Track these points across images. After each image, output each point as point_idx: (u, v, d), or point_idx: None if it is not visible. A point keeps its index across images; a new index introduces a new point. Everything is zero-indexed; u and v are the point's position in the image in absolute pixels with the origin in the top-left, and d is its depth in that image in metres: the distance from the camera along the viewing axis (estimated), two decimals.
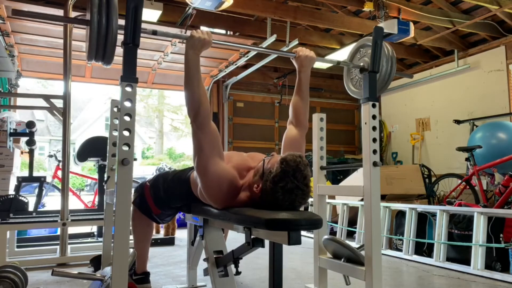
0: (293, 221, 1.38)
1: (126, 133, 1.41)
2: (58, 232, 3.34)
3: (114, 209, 1.44)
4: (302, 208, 1.63)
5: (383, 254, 3.19)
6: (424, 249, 3.28)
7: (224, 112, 6.73)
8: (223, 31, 5.47)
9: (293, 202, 1.51)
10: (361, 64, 1.89)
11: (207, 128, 1.65)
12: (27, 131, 4.21)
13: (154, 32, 1.51)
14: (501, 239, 2.79)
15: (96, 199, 4.64)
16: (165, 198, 2.06)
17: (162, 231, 4.39)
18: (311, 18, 4.82)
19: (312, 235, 2.15)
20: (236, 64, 5.41)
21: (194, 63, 1.67)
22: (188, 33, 1.67)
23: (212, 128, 1.67)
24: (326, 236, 1.87)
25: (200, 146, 1.65)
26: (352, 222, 4.09)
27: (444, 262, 3.01)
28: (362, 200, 3.74)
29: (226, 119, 6.74)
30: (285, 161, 1.51)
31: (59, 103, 3.33)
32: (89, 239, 3.91)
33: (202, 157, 1.65)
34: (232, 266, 1.77)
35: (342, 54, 5.58)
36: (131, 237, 2.09)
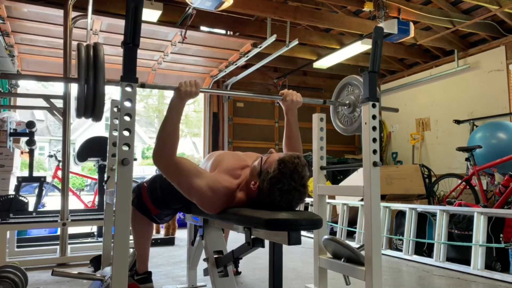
0: (293, 221, 1.38)
1: (126, 133, 1.41)
2: (58, 232, 3.34)
3: (114, 209, 1.45)
4: (302, 208, 1.63)
5: (383, 254, 3.19)
6: (424, 249, 3.28)
7: (224, 112, 6.73)
8: (223, 31, 5.47)
9: (290, 202, 1.52)
10: (347, 101, 1.93)
11: (172, 165, 1.67)
12: (27, 131, 4.21)
13: (142, 85, 1.51)
14: (501, 239, 2.79)
15: (96, 199, 4.64)
16: (163, 199, 2.06)
17: (162, 231, 4.39)
18: (311, 18, 4.81)
19: (312, 235, 2.15)
20: (236, 64, 5.41)
21: (176, 110, 1.68)
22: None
23: (177, 161, 1.67)
24: (326, 236, 1.87)
25: (176, 180, 1.70)
26: (352, 222, 4.09)
27: (444, 262, 3.01)
28: (362, 200, 3.74)
29: (226, 119, 6.74)
30: (282, 162, 1.51)
31: (59, 103, 3.33)
32: (89, 239, 3.91)
33: (182, 185, 1.69)
34: (232, 266, 1.77)
35: (342, 54, 5.59)
36: (131, 237, 2.09)
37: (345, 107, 1.97)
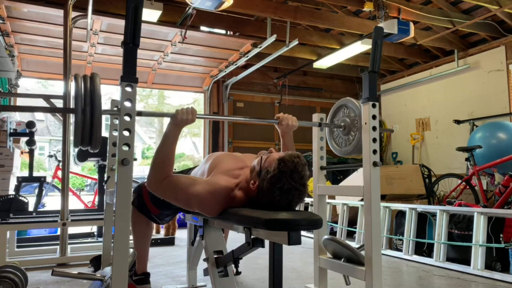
0: (293, 221, 1.38)
1: (126, 133, 1.41)
2: (58, 232, 3.34)
3: (114, 209, 1.45)
4: (302, 208, 1.63)
5: (383, 254, 3.19)
6: (424, 249, 3.28)
7: (224, 112, 6.73)
8: (223, 31, 5.47)
9: (290, 202, 1.52)
10: (342, 124, 1.94)
11: (162, 186, 1.68)
12: (27, 131, 4.21)
13: (139, 113, 1.52)
14: (501, 239, 2.79)
15: (96, 199, 4.64)
16: (164, 200, 2.06)
17: (162, 231, 4.39)
18: (311, 18, 4.81)
19: (312, 235, 2.15)
20: (236, 64, 5.41)
21: (172, 136, 1.70)
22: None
23: (169, 179, 1.68)
24: (326, 236, 1.87)
25: (172, 197, 1.72)
26: (352, 222, 4.09)
27: (444, 262, 3.01)
28: (362, 200, 3.74)
29: None
30: (282, 161, 1.51)
31: (59, 103, 3.33)
32: (89, 239, 3.91)
33: (179, 200, 1.71)
34: (232, 266, 1.77)
35: (342, 54, 5.59)
36: (131, 237, 2.09)
37: (341, 129, 2.00)
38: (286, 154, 1.54)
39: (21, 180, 4.00)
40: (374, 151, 1.68)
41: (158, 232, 4.42)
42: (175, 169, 2.43)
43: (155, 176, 1.68)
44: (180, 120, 1.66)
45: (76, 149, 3.97)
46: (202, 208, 1.68)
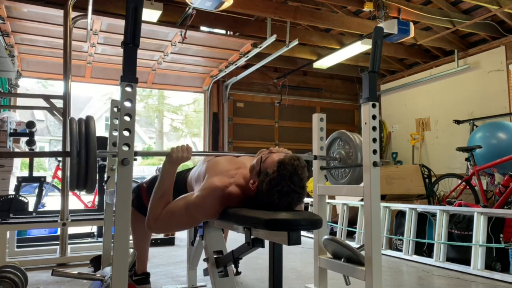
0: (293, 221, 1.38)
1: (126, 133, 1.41)
2: (58, 232, 3.34)
3: (114, 209, 1.45)
4: (302, 208, 1.63)
5: (383, 254, 3.19)
6: (424, 249, 3.28)
7: (224, 112, 6.73)
8: (223, 31, 5.47)
9: (289, 204, 1.52)
10: (337, 156, 2.01)
11: (160, 221, 1.68)
12: (27, 131, 4.21)
13: (135, 153, 1.51)
14: (501, 239, 2.79)
15: (96, 199, 4.64)
16: None
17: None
18: (311, 18, 4.82)
19: (312, 235, 2.15)
20: (236, 64, 5.41)
21: (168, 175, 1.72)
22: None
23: (165, 210, 1.68)
24: (326, 236, 1.87)
25: (177, 226, 1.78)
26: (352, 222, 4.09)
27: (444, 262, 3.01)
28: (362, 200, 3.74)
29: (226, 119, 6.74)
30: (282, 164, 1.50)
31: (59, 103, 3.33)
32: (89, 239, 3.91)
33: (185, 224, 1.79)
34: (232, 266, 1.77)
35: (342, 54, 5.59)
36: (131, 237, 2.09)
37: (336, 162, 2.05)
38: (285, 156, 1.54)
39: (21, 180, 4.00)
40: (374, 151, 1.68)
41: (167, 234, 4.34)
42: None
43: (154, 215, 1.68)
44: (175, 158, 1.68)
45: None
46: (205, 214, 1.69)
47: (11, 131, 4.50)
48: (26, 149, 4.34)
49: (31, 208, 3.89)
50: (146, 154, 1.80)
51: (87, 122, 1.44)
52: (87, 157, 1.39)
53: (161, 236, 4.19)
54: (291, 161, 1.51)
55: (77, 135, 1.40)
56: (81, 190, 1.47)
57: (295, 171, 1.50)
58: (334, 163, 2.06)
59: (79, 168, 1.38)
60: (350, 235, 4.13)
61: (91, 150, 1.40)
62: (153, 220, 1.67)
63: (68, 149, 1.50)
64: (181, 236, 4.31)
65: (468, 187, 4.28)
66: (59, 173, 4.32)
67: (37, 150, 4.63)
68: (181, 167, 1.86)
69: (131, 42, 1.42)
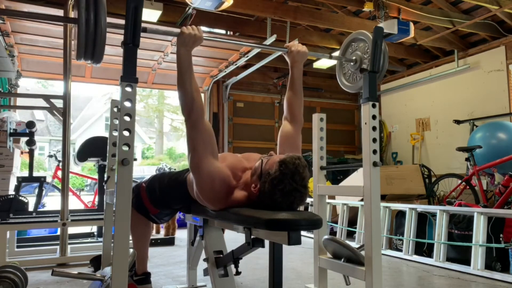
0: (293, 221, 1.38)
1: (126, 133, 1.41)
2: (58, 232, 3.34)
3: (114, 209, 1.45)
4: (302, 208, 1.63)
5: (383, 254, 3.19)
6: (424, 249, 3.28)
7: (224, 112, 6.72)
8: (223, 31, 5.47)
9: (292, 204, 1.51)
10: (354, 57, 1.91)
11: (201, 125, 1.64)
12: (27, 131, 4.21)
13: (144, 29, 1.48)
14: (501, 239, 2.79)
15: (96, 199, 4.64)
16: (162, 199, 2.06)
17: (162, 231, 4.38)
18: (311, 18, 4.82)
19: (312, 235, 2.15)
20: (236, 64, 5.41)
21: (186, 60, 1.66)
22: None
23: (206, 126, 1.66)
24: (326, 236, 1.87)
25: (193, 144, 1.64)
26: (352, 222, 4.09)
27: (444, 262, 3.02)
28: (362, 200, 3.74)
29: (226, 119, 6.74)
30: (284, 163, 1.50)
31: (59, 103, 3.33)
32: (89, 239, 3.91)
33: (195, 155, 1.64)
34: (232, 266, 1.77)
35: None
36: (131, 237, 2.09)
37: (352, 64, 1.94)
38: (286, 156, 1.54)
39: (21, 180, 4.00)
40: (374, 151, 1.68)
41: (158, 232, 4.41)
42: (174, 169, 2.44)
43: (192, 103, 1.62)
44: (188, 37, 1.62)
45: (76, 149, 3.98)
46: (197, 185, 1.67)
47: (11, 131, 4.50)
48: (26, 149, 4.34)
49: (31, 208, 3.90)
50: (156, 32, 1.72)
51: None
52: (96, 24, 1.33)
53: (161, 236, 4.20)
54: (293, 160, 1.51)
55: (85, 0, 1.33)
56: (87, 59, 1.39)
57: (297, 169, 1.50)
58: (349, 67, 1.97)
59: (86, 36, 1.32)
60: (350, 235, 4.13)
61: (101, 15, 1.33)
62: (188, 111, 1.62)
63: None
64: (181, 236, 4.32)
65: (468, 187, 4.28)
66: (59, 173, 4.32)
67: (37, 150, 4.63)
68: (182, 167, 1.85)
69: (131, 42, 1.42)
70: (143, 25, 1.47)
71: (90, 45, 1.35)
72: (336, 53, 5.79)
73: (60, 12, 3.60)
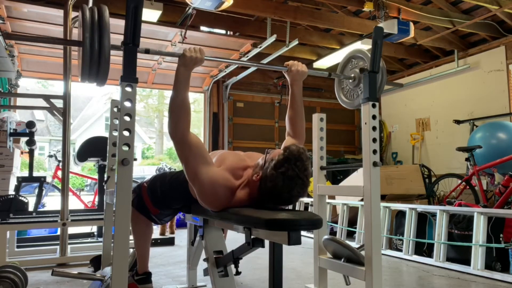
0: (293, 221, 1.38)
1: (126, 133, 1.41)
2: (58, 232, 3.34)
3: (114, 209, 1.45)
4: (302, 208, 1.63)
5: (383, 254, 3.19)
6: (424, 249, 3.28)
7: (224, 112, 6.73)
8: (223, 31, 5.47)
9: (292, 190, 1.52)
10: (352, 75, 1.92)
11: (187, 141, 1.66)
12: (27, 131, 4.21)
13: (147, 51, 1.51)
14: (501, 239, 2.79)
15: (96, 199, 4.64)
16: (163, 199, 2.06)
17: (167, 231, 4.34)
18: (311, 18, 4.82)
19: (312, 235, 2.15)
20: (236, 64, 5.41)
21: (183, 79, 1.67)
22: (181, 50, 1.67)
23: (192, 141, 1.68)
24: (326, 236, 1.87)
25: (184, 159, 1.68)
26: (352, 222, 4.09)
27: (444, 262, 3.01)
28: (362, 200, 3.74)
29: (226, 119, 6.74)
30: (288, 149, 1.54)
31: (59, 103, 3.33)
32: (89, 239, 3.91)
33: (189, 169, 1.68)
34: (232, 266, 1.77)
35: (342, 54, 5.58)
36: (131, 237, 2.09)
37: (350, 81, 1.95)
38: (291, 144, 1.58)
39: (21, 180, 4.00)
40: (374, 151, 1.68)
41: (163, 234, 4.32)
42: (174, 169, 2.43)
43: (176, 124, 1.65)
44: (189, 58, 1.64)
45: (76, 149, 3.98)
46: (199, 194, 1.68)
47: (11, 131, 4.50)
48: (26, 149, 4.34)
49: (31, 208, 3.90)
50: (158, 53, 1.77)
51: (100, 11, 1.38)
52: (100, 46, 1.35)
53: (161, 236, 4.19)
54: (297, 148, 1.54)
55: (90, 23, 1.34)
56: (92, 82, 1.41)
57: (300, 156, 1.52)
58: (348, 84, 1.99)
59: (91, 58, 1.33)
60: (350, 235, 4.13)
61: (105, 38, 1.35)
62: (174, 132, 1.65)
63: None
64: (181, 236, 4.31)
65: (468, 187, 4.28)
66: (59, 173, 4.32)
67: (37, 150, 4.63)
68: (181, 167, 1.85)
69: (131, 42, 1.42)
70: (145, 46, 1.49)
71: (94, 68, 1.37)
72: (336, 53, 5.77)
73: (60, 13, 3.60)
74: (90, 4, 3.43)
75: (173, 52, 1.67)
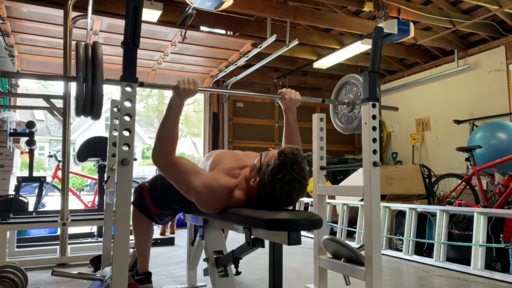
0: (293, 221, 1.38)
1: (126, 133, 1.41)
2: (58, 232, 3.34)
3: (114, 209, 1.45)
4: (302, 208, 1.63)
5: (383, 254, 3.19)
6: (424, 249, 3.28)
7: (224, 112, 6.73)
8: (223, 31, 5.47)
9: (291, 194, 1.52)
10: (346, 100, 1.95)
11: (170, 163, 1.68)
12: (27, 131, 4.22)
13: (141, 84, 1.52)
14: (501, 239, 2.78)
15: (96, 199, 4.64)
16: (163, 199, 2.06)
17: (167, 232, 4.34)
18: (311, 18, 4.81)
19: (312, 235, 2.15)
20: (236, 64, 5.41)
21: (176, 110, 1.69)
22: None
23: (176, 160, 1.68)
24: (326, 236, 1.87)
25: (174, 177, 1.71)
26: (352, 222, 4.09)
27: (444, 262, 3.01)
28: (362, 200, 3.74)
29: (226, 119, 6.74)
30: (283, 153, 1.53)
31: (59, 103, 3.33)
32: (89, 239, 3.91)
33: (180, 184, 1.70)
34: (232, 266, 1.77)
35: (342, 54, 5.59)
36: (131, 237, 2.09)
37: (344, 106, 1.98)
38: (286, 147, 1.57)
39: (21, 180, 4.00)
40: (374, 151, 1.68)
41: (163, 234, 4.32)
42: None
43: (161, 152, 1.67)
44: (182, 91, 1.65)
45: (76, 149, 3.98)
46: (198, 202, 1.69)
47: (11, 131, 4.50)
48: (26, 149, 4.35)
49: (31, 208, 3.90)
50: (152, 86, 1.84)
51: (94, 47, 1.43)
52: (94, 82, 1.39)
53: (161, 236, 4.19)
54: (292, 150, 1.53)
55: (84, 59, 1.40)
56: (86, 116, 1.44)
57: (296, 159, 1.51)
58: (342, 109, 2.01)
59: (85, 93, 1.38)
60: (350, 235, 4.13)
61: (98, 75, 1.39)
62: (158, 158, 1.68)
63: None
64: (181, 236, 4.31)
65: (468, 187, 4.28)
66: (59, 173, 4.32)
67: (37, 150, 4.63)
68: None
69: (131, 42, 1.42)
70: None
71: (89, 104, 1.41)
72: (336, 53, 5.77)
73: (60, 13, 3.60)
74: (90, 6, 3.43)
75: (167, 84, 1.69)
